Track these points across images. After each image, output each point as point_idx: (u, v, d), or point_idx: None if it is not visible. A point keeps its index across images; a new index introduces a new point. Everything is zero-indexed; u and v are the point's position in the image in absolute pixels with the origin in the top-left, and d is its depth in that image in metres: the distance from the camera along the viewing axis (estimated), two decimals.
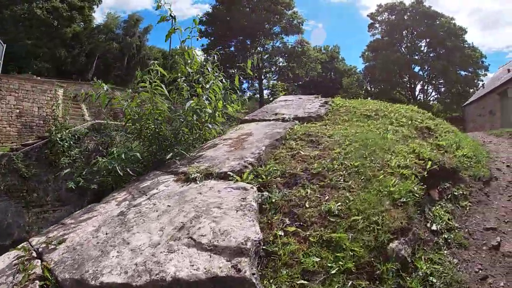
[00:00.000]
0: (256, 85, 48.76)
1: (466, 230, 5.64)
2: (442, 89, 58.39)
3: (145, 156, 7.08)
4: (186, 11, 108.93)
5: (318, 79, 71.45)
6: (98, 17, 61.15)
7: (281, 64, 48.08)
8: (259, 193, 4.56)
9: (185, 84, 7.30)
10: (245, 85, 50.04)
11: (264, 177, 5.16)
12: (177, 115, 7.14)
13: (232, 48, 48.70)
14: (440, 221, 5.32)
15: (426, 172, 5.83)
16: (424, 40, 55.82)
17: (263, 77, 46.23)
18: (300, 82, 73.77)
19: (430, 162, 6.10)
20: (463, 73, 54.90)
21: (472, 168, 8.26)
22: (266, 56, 46.02)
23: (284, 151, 6.38)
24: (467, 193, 6.98)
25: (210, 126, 7.69)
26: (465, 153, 8.54)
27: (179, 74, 7.36)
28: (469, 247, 5.25)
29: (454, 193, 6.55)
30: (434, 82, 57.37)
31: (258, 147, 6.31)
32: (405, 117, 9.26)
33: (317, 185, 5.09)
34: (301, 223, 4.12)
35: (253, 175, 5.18)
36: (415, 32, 55.44)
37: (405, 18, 55.81)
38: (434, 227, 5.10)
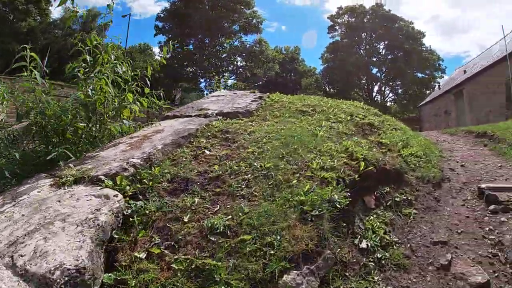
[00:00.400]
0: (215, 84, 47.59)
1: (409, 245, 4.55)
2: (399, 91, 58.60)
3: (29, 156, 5.87)
4: (149, 8, 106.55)
5: (278, 80, 70.87)
6: (56, 11, 57.89)
7: (239, 63, 46.82)
8: (132, 202, 3.70)
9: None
10: (202, 84, 48.54)
11: (146, 182, 4.16)
12: (64, 108, 5.81)
13: (191, 47, 46.95)
14: (373, 236, 4.22)
15: (357, 175, 4.71)
16: (383, 42, 55.92)
17: (220, 76, 44.66)
18: (260, 82, 73.21)
19: (363, 163, 4.95)
20: (420, 75, 55.24)
21: (421, 169, 7.23)
22: (225, 55, 44.68)
23: (187, 150, 5.37)
24: (413, 198, 5.93)
25: (122, 122, 6.63)
26: (413, 152, 7.51)
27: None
28: (410, 269, 4.16)
29: (396, 198, 5.46)
30: (391, 83, 57.56)
31: (154, 146, 5.26)
32: (345, 112, 8.26)
33: (211, 192, 4.09)
34: (173, 243, 3.23)
35: (129, 180, 4.12)
36: (374, 35, 55.43)
37: (365, 21, 55.76)
38: (364, 244, 3.98)
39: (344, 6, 57.50)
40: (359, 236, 4.08)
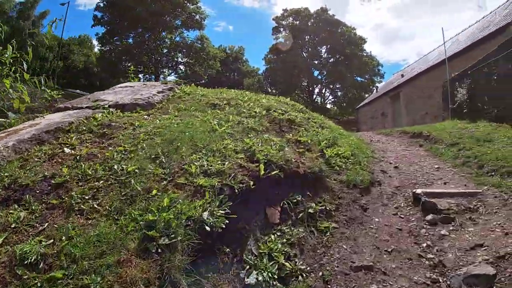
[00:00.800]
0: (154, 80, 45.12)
1: (321, 273, 3.48)
2: (339, 93, 59.12)
3: None
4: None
5: (221, 79, 69.64)
6: None
7: (179, 59, 44.71)
8: None
9: None
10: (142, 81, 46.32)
11: None
12: None
13: (131, 40, 44.24)
14: (270, 265, 3.05)
15: (253, 183, 3.54)
16: (325, 46, 56.06)
17: (159, 73, 42.62)
18: (203, 81, 71.59)
19: (263, 166, 3.80)
20: (359, 79, 55.93)
21: (348, 172, 6.26)
22: (165, 50, 42.65)
23: (46, 148, 4.33)
24: (333, 208, 4.89)
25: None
26: (339, 153, 6.53)
27: None
28: None
29: (310, 210, 4.39)
30: (331, 86, 57.89)
31: (5, 143, 4.30)
32: (261, 107, 7.34)
33: (45, 205, 3.09)
34: None
35: None
36: (317, 38, 55.39)
37: (309, 24, 55.59)
38: (252, 279, 2.83)
39: (290, 8, 57.13)
40: (248, 267, 2.92)
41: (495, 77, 11.51)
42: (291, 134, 6.13)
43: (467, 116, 12.89)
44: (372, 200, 5.87)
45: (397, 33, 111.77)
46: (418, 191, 5.90)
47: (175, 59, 43.42)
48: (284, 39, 57.30)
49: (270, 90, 58.61)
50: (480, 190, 6.17)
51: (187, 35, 43.33)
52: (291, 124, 6.84)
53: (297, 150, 5.38)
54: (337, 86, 57.15)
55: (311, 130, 7.13)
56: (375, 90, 38.79)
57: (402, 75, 28.88)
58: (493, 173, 6.97)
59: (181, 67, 44.90)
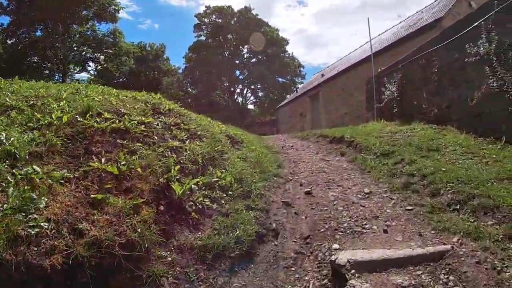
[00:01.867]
0: (58, 78, 38.98)
1: None
2: (260, 94, 56.59)
3: None
4: None
5: (140, 78, 64.58)
6: None
7: (88, 55, 39.13)
8: None
9: None
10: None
11: None
12: None
13: (39, 33, 37.84)
14: None
15: None
16: (247, 46, 53.34)
17: (66, 70, 37.02)
18: (121, 80, 66.13)
19: None
20: (281, 80, 53.90)
21: (214, 222, 3.10)
22: (75, 45, 36.98)
23: None
24: None
25: None
26: (212, 181, 3.71)
27: None
28: None
29: None
30: (253, 87, 55.08)
31: None
32: (75, 109, 4.07)
33: None
34: None
35: None
36: (239, 38, 52.43)
37: (232, 22, 52.52)
38: None
39: (213, 5, 53.58)
40: None
41: (436, 69, 9.05)
42: (97, 161, 2.95)
43: (397, 117, 10.42)
44: (255, 281, 2.82)
45: (319, 39, 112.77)
46: (341, 256, 3.06)
47: (83, 54, 37.64)
48: (206, 37, 53.92)
49: (190, 90, 55.04)
50: (449, 247, 3.38)
51: (99, 28, 38.04)
52: (121, 136, 3.62)
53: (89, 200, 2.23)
54: (258, 86, 54.57)
55: (162, 146, 4.03)
56: (295, 91, 36.49)
57: (323, 75, 26.75)
58: (458, 207, 4.26)
59: (91, 63, 39.33)
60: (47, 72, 36.07)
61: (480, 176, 4.84)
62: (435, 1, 18.86)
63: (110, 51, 38.84)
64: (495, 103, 6.93)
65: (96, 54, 38.83)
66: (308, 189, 5.58)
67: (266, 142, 11.78)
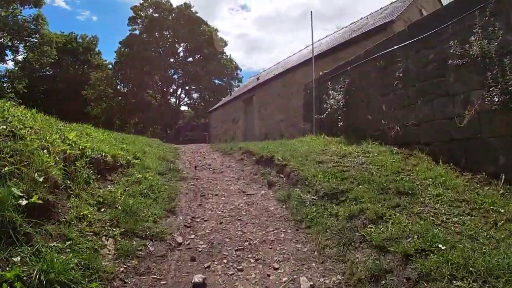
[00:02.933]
0: None
1: None
2: (195, 95, 53.40)
3: None
4: None
5: (70, 71, 59.24)
6: None
7: (6, 42, 33.32)
8: None
9: None
10: None
11: None
12: None
13: None
14: None
15: None
16: (184, 44, 49.96)
17: None
18: (46, 73, 59.84)
19: None
20: (217, 81, 51.09)
21: None
22: None
23: None
24: None
25: None
26: None
27: None
28: None
29: None
30: (187, 87, 51.60)
31: None
32: None
33: None
34: None
35: None
36: (176, 35, 48.89)
37: (170, 18, 48.82)
38: None
39: None
40: None
41: (400, 74, 6.79)
42: None
43: (342, 131, 8.08)
44: None
45: (259, 44, 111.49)
46: None
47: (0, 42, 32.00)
48: (140, 32, 49.84)
49: (119, 87, 50.57)
50: None
51: (21, 11, 32.69)
52: None
53: None
54: (193, 87, 51.16)
55: None
56: (230, 94, 33.77)
57: (258, 78, 24.32)
58: None
59: (8, 52, 33.82)
60: None
61: (504, 263, 2.56)
62: (380, 9, 17.19)
63: (33, 40, 33.72)
64: (491, 125, 4.72)
65: (14, 42, 33.42)
66: (200, 276, 2.94)
67: (181, 158, 9.06)
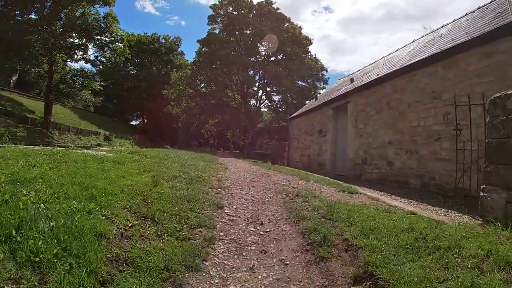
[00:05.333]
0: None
1: None
2: (276, 97, 48.81)
3: None
4: None
5: (153, 71, 58.51)
6: None
7: (76, 40, 31.61)
8: None
9: None
10: None
11: None
12: None
13: (33, 15, 30.48)
14: None
15: None
16: (266, 42, 45.69)
17: (54, 58, 29.46)
18: (130, 72, 59.44)
19: None
20: (301, 83, 46.09)
21: None
22: (61, 29, 29.69)
23: None
24: None
25: None
26: None
27: None
28: None
29: None
30: (268, 89, 47.11)
31: None
32: None
33: None
34: None
35: None
36: (256, 33, 44.76)
37: (250, 16, 45.03)
38: None
39: None
40: None
41: None
42: None
43: None
44: None
45: (342, 46, 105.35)
46: None
47: (68, 40, 29.97)
48: (220, 31, 46.47)
49: (199, 88, 47.69)
50: None
51: (90, 10, 30.73)
52: None
53: None
54: (274, 88, 46.62)
55: None
56: (315, 97, 28.39)
57: (352, 80, 18.99)
58: None
59: (79, 52, 31.68)
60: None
61: None
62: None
63: (106, 39, 31.66)
64: None
65: (84, 41, 31.42)
66: None
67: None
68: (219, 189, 6.97)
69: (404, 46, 17.52)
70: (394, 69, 12.84)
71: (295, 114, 25.02)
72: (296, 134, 23.48)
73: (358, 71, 23.01)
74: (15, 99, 33.96)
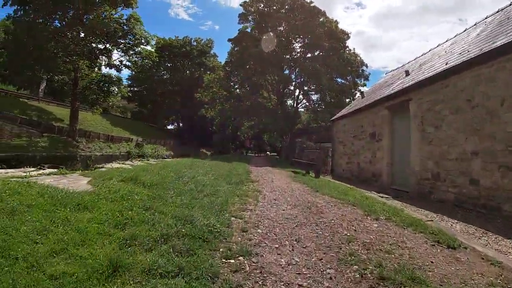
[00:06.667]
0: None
1: None
2: (314, 97, 45.68)
3: None
4: None
5: (186, 74, 57.49)
6: None
7: (99, 45, 29.32)
8: None
9: None
10: None
11: None
12: None
13: (57, 23, 29.13)
14: None
15: None
16: (300, 38, 42.78)
17: (77, 66, 27.75)
18: (164, 76, 58.51)
19: None
20: (340, 80, 42.84)
21: None
22: (83, 35, 27.86)
23: None
24: None
25: None
26: None
27: None
28: None
29: None
30: (305, 87, 43.94)
31: None
32: None
33: None
34: None
35: None
36: (290, 28, 41.95)
37: (282, 11, 42.28)
38: None
39: None
40: None
41: None
42: None
43: None
44: None
45: (376, 42, 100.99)
46: None
47: (89, 45, 27.61)
48: (251, 29, 43.98)
49: (233, 89, 45.45)
50: None
51: (112, 14, 29.00)
52: None
53: None
54: (312, 87, 43.47)
55: None
56: (358, 95, 24.65)
57: (407, 72, 15.81)
58: None
59: (104, 57, 30.17)
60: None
61: None
62: None
63: (130, 42, 29.85)
64: None
65: (107, 45, 29.66)
66: None
67: None
68: (240, 258, 4.10)
69: (464, 31, 14.34)
70: (472, 56, 9.74)
71: (339, 115, 21.66)
72: (342, 138, 20.38)
73: (408, 63, 19.77)
74: (43, 107, 32.96)
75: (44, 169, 9.83)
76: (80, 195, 5.89)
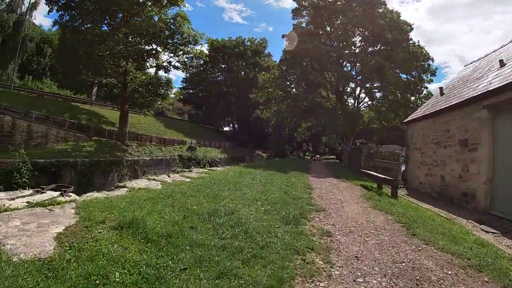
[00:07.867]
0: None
1: None
2: (377, 94, 41.32)
3: None
4: None
5: (241, 75, 55.90)
6: None
7: (144, 47, 27.26)
8: None
9: None
10: None
11: None
12: None
13: (105, 27, 27.84)
14: None
15: None
16: (359, 31, 39.10)
17: (126, 70, 26.35)
18: (219, 78, 57.56)
19: None
20: (404, 76, 38.64)
21: None
22: (131, 37, 26.35)
23: None
24: None
25: None
26: None
27: None
28: None
29: None
30: (367, 85, 40.03)
31: None
32: None
33: None
34: None
35: None
36: (348, 21, 38.31)
37: (338, 3, 38.72)
38: None
39: None
40: None
41: None
42: None
43: None
44: None
45: (434, 36, 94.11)
46: None
47: (135, 46, 25.93)
48: (306, 24, 40.93)
49: (289, 89, 42.72)
50: None
51: (160, 14, 27.41)
52: None
53: None
54: (375, 84, 39.45)
55: None
56: (440, 93, 20.39)
57: (502, 62, 12.25)
58: None
59: (150, 59, 28.31)
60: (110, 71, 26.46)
61: None
62: None
63: (178, 42, 28.11)
64: None
65: (154, 47, 28.04)
66: None
67: None
68: None
69: None
70: None
71: (416, 116, 17.84)
72: (419, 144, 16.68)
73: (494, 52, 16.03)
74: (95, 111, 32.18)
75: (43, 192, 7.66)
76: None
